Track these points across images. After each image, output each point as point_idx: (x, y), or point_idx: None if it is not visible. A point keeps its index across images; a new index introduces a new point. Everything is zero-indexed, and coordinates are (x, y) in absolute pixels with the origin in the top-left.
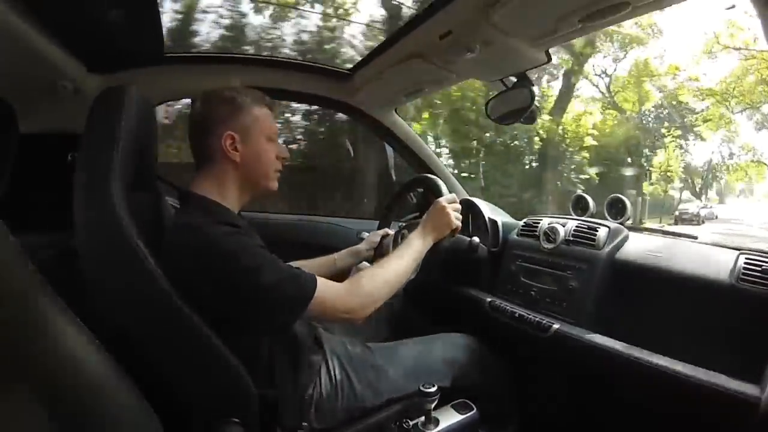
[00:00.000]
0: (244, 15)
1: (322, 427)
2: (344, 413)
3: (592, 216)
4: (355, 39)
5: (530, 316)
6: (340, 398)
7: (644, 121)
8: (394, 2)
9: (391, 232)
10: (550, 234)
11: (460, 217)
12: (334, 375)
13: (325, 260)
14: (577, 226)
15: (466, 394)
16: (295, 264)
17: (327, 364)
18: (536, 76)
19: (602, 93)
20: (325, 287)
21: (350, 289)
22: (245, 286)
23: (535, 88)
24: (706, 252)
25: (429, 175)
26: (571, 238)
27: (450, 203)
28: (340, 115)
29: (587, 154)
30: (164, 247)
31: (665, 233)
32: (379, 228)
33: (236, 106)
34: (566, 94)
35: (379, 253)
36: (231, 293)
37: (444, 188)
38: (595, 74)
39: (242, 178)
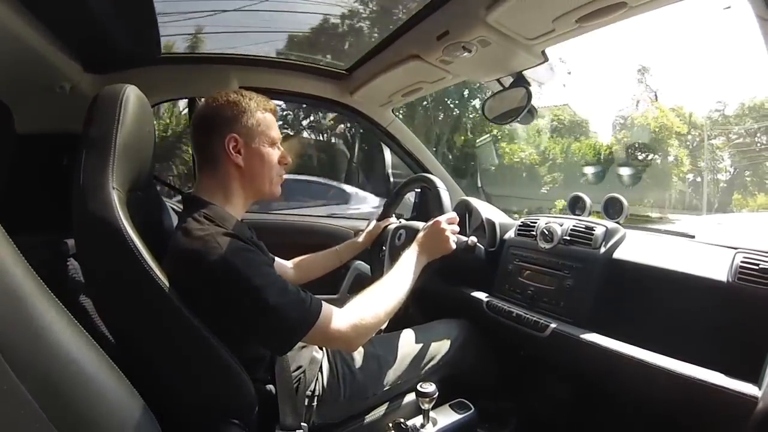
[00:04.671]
0: None
1: (323, 422)
2: (347, 406)
3: (589, 215)
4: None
5: (527, 316)
6: (342, 391)
7: None
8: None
9: (394, 220)
10: (547, 233)
11: (456, 238)
12: (337, 370)
13: (329, 253)
14: (574, 226)
15: (464, 385)
16: (299, 259)
17: (329, 359)
18: None
19: None
20: (327, 316)
21: (350, 321)
22: (250, 305)
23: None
24: (703, 251)
25: (433, 180)
26: (568, 238)
27: (449, 223)
28: None
29: None
30: (169, 250)
31: (662, 232)
32: (379, 219)
33: (240, 109)
34: None
35: (378, 243)
36: (235, 309)
37: (446, 199)
38: None
39: (246, 182)
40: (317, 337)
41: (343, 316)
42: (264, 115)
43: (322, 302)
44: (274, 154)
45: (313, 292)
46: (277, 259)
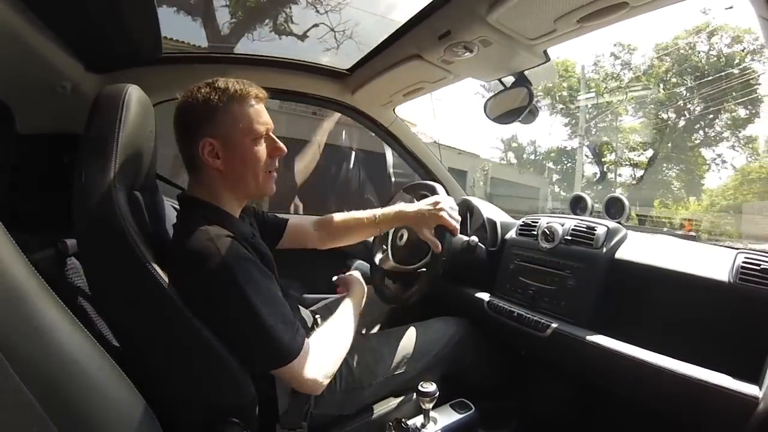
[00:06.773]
0: None
1: (320, 413)
2: (342, 396)
3: (591, 215)
4: None
5: (529, 316)
6: (338, 382)
7: None
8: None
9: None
10: (549, 233)
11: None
12: None
13: (364, 221)
14: (575, 226)
15: (465, 385)
16: (326, 218)
17: None
18: None
19: None
20: (303, 359)
21: (320, 369)
22: (241, 319)
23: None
24: (704, 251)
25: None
26: (570, 238)
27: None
28: None
29: None
30: (169, 251)
31: (664, 233)
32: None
33: (210, 108)
34: None
35: (380, 242)
36: (227, 318)
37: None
38: None
39: (230, 185)
40: (286, 376)
41: (317, 366)
42: (242, 108)
43: (305, 340)
44: (258, 150)
45: (314, 291)
46: (293, 218)
